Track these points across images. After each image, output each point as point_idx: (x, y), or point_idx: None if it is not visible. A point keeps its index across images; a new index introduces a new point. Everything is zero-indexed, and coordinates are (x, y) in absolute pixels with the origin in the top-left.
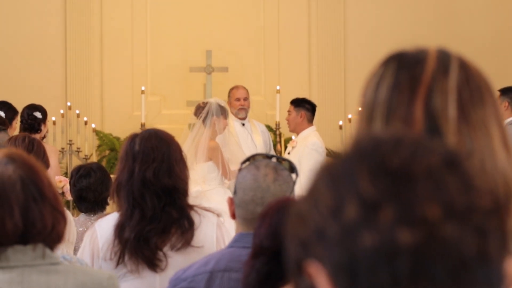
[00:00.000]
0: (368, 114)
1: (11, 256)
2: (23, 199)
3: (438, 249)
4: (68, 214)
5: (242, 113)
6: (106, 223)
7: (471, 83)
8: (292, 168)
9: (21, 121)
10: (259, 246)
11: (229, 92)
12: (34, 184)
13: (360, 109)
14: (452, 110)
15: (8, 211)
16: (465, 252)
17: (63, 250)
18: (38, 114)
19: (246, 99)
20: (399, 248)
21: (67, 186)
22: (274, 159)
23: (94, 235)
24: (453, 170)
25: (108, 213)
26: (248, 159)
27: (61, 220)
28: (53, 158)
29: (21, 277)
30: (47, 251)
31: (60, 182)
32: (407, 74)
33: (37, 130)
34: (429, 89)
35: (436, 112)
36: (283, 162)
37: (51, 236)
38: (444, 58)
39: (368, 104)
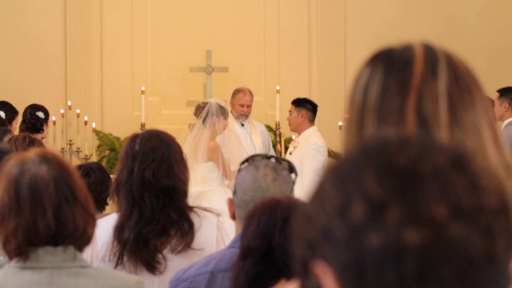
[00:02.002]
0: (358, 118)
1: (41, 256)
2: (56, 200)
3: (444, 249)
4: None
5: (242, 118)
6: (105, 224)
7: (460, 83)
8: (291, 168)
9: (24, 121)
10: (247, 247)
11: (235, 94)
12: (67, 185)
13: (348, 110)
14: (443, 115)
15: (41, 211)
16: (472, 253)
17: None
18: (40, 114)
19: (249, 106)
20: (406, 248)
21: None
22: (273, 160)
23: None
24: (460, 170)
25: (107, 214)
26: (247, 160)
27: (92, 223)
28: None
29: (50, 279)
30: (77, 253)
31: None
32: (396, 78)
33: (39, 130)
34: (419, 93)
35: (427, 117)
36: (282, 162)
37: (82, 238)
38: (431, 57)
39: (358, 108)
